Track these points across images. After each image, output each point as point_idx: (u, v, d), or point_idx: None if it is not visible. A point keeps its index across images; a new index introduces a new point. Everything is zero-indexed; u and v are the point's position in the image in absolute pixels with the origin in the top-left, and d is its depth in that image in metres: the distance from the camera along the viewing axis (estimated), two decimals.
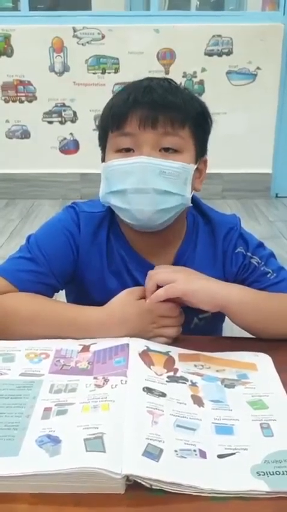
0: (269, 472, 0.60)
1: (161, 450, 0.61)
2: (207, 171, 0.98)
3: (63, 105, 3.83)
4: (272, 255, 1.01)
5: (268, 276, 0.97)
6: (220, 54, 3.72)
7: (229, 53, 3.72)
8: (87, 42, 3.70)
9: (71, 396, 0.71)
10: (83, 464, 0.58)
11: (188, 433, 0.65)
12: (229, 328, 1.03)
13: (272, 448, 0.64)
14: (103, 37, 3.68)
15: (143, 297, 0.89)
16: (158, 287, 0.88)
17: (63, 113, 3.85)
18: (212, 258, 1.00)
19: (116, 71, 3.74)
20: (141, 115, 0.87)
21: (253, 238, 1.02)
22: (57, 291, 0.99)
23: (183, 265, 0.95)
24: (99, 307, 0.89)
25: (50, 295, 0.96)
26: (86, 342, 0.85)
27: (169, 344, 0.87)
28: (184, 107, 0.89)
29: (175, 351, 0.84)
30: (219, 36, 3.68)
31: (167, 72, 3.69)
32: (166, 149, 0.88)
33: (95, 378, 0.75)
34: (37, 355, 0.81)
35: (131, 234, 0.97)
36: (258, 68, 3.74)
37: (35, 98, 3.82)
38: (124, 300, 0.89)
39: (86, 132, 3.67)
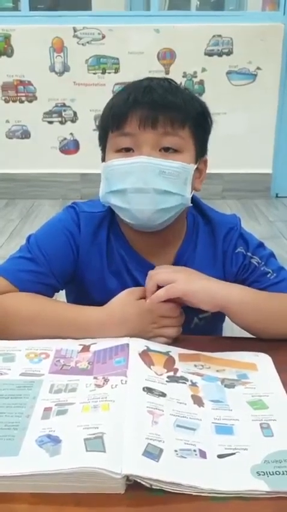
0: (269, 472, 0.60)
1: (161, 450, 0.61)
2: (207, 171, 0.98)
3: (64, 105, 3.83)
4: (272, 255, 1.01)
5: (268, 276, 0.97)
6: (220, 54, 3.72)
7: (229, 53, 3.72)
8: (88, 42, 3.70)
9: (71, 396, 0.71)
10: (83, 464, 0.58)
11: (188, 433, 0.65)
12: (229, 328, 1.03)
13: (272, 448, 0.64)
14: (103, 37, 3.69)
15: (143, 297, 0.89)
16: (159, 287, 0.88)
17: (63, 113, 3.85)
18: (212, 258, 1.00)
19: (116, 71, 3.74)
20: (141, 115, 0.87)
21: (253, 238, 1.02)
22: (58, 291, 0.99)
23: (183, 265, 0.95)
24: (99, 307, 0.89)
25: (50, 295, 0.96)
26: (86, 342, 0.85)
27: (169, 344, 0.87)
28: (184, 107, 0.89)
29: (175, 351, 0.84)
30: (219, 36, 3.68)
31: (167, 72, 3.69)
32: (166, 149, 0.88)
33: (95, 378, 0.75)
34: (37, 355, 0.81)
35: (131, 234, 0.97)
36: (258, 68, 3.74)
37: (35, 98, 3.82)
38: (124, 300, 0.89)
39: (86, 132, 3.67)
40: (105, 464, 0.58)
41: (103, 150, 0.95)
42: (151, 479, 0.58)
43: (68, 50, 3.72)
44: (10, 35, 3.69)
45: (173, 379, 0.76)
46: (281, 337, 0.89)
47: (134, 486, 0.58)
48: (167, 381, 0.75)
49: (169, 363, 0.80)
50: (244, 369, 0.81)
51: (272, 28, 3.67)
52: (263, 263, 0.98)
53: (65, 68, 3.76)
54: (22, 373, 0.77)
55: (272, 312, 0.91)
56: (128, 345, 0.82)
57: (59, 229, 0.98)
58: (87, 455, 0.60)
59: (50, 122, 3.87)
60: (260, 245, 1.01)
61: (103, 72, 3.75)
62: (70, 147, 3.92)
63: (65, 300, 1.06)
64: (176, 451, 0.62)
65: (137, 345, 0.83)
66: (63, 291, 1.04)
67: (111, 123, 0.90)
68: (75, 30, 3.67)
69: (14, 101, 3.82)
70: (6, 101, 3.82)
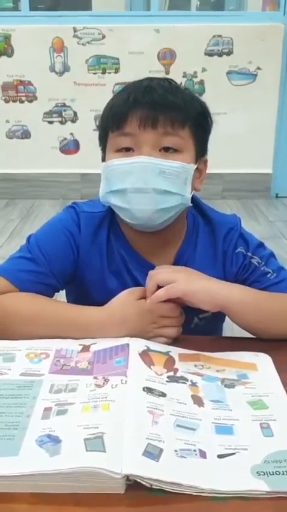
0: (269, 472, 0.60)
1: (161, 450, 0.61)
2: (207, 171, 0.98)
3: (64, 105, 3.83)
4: (272, 255, 1.01)
5: (268, 276, 0.97)
6: (220, 54, 3.72)
7: (229, 53, 3.72)
8: (88, 42, 3.70)
9: (71, 396, 0.71)
10: (83, 464, 0.58)
11: (188, 433, 0.65)
12: (229, 328, 1.03)
13: (272, 448, 0.64)
14: (103, 37, 3.69)
15: (144, 297, 0.89)
16: (159, 287, 0.88)
17: (63, 113, 3.85)
18: (213, 258, 1.00)
19: (117, 71, 3.74)
20: (141, 115, 0.87)
21: (253, 238, 1.02)
22: (58, 291, 0.99)
23: (183, 265, 0.95)
24: (99, 307, 0.89)
25: (51, 295, 0.96)
26: (86, 341, 0.85)
27: (169, 344, 0.87)
28: (184, 107, 0.89)
29: (175, 351, 0.84)
30: (219, 36, 3.68)
31: (167, 72, 3.69)
32: (166, 149, 0.88)
33: (95, 378, 0.75)
34: (37, 355, 0.81)
35: (131, 233, 0.97)
36: (258, 68, 3.74)
37: (36, 98, 3.82)
38: (124, 300, 0.89)
39: (87, 132, 3.67)
40: (105, 464, 0.58)
41: (103, 150, 0.95)
42: (151, 479, 0.58)
43: (68, 50, 3.72)
44: (10, 35, 3.69)
45: (173, 379, 0.76)
46: (282, 337, 0.89)
47: (134, 486, 0.58)
48: (167, 381, 0.75)
49: (169, 363, 0.80)
50: (244, 369, 0.81)
51: (272, 28, 3.67)
52: (263, 263, 0.98)
53: (65, 68, 3.76)
54: (22, 373, 0.77)
55: (273, 312, 0.91)
56: (128, 345, 0.82)
57: (59, 229, 0.98)
58: (87, 455, 0.60)
59: (50, 122, 3.87)
60: (260, 245, 1.01)
61: (103, 72, 3.75)
62: (70, 147, 3.92)
63: (65, 300, 1.06)
64: (176, 451, 0.62)
65: (137, 345, 0.83)
66: (63, 291, 1.04)
67: (111, 123, 0.90)
68: (75, 30, 3.67)
69: (14, 101, 3.82)
70: (7, 101, 3.82)
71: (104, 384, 0.73)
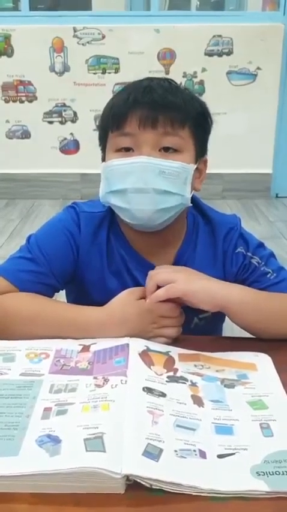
0: (269, 472, 0.60)
1: (161, 450, 0.62)
2: (207, 171, 0.98)
3: (64, 105, 3.83)
4: (272, 255, 1.01)
5: (268, 276, 0.97)
6: (220, 54, 3.72)
7: (229, 53, 3.72)
8: (88, 42, 3.70)
9: (71, 396, 0.71)
10: (83, 464, 0.58)
11: (188, 433, 0.65)
12: (229, 328, 1.03)
13: (272, 448, 0.64)
14: (103, 37, 3.69)
15: (144, 297, 0.89)
16: (159, 287, 0.88)
17: (63, 113, 3.85)
18: (212, 258, 1.00)
19: (117, 71, 3.74)
20: (141, 115, 0.87)
21: (253, 238, 1.02)
22: (58, 291, 0.99)
23: (183, 265, 0.95)
24: (99, 307, 0.89)
25: (50, 295, 0.96)
26: (86, 342, 0.85)
27: (169, 344, 0.87)
28: (184, 107, 0.89)
29: (175, 351, 0.84)
30: (219, 36, 3.68)
31: (167, 72, 3.69)
32: (166, 149, 0.88)
33: (95, 378, 0.75)
34: (37, 355, 0.81)
35: (131, 233, 0.97)
36: (258, 68, 3.74)
37: (35, 98, 3.82)
38: (124, 300, 0.89)
39: (87, 132, 3.67)
40: (105, 464, 0.58)
41: (103, 150, 0.95)
42: (150, 479, 0.58)
43: (68, 50, 3.72)
44: (10, 35, 3.69)
45: (173, 379, 0.76)
46: (282, 337, 0.89)
47: (134, 486, 0.58)
48: (167, 381, 0.75)
49: (169, 363, 0.80)
50: (244, 369, 0.81)
51: (272, 28, 3.67)
52: (263, 263, 0.98)
53: (65, 68, 3.76)
54: (22, 373, 0.77)
55: (273, 312, 0.91)
56: (128, 345, 0.82)
57: (59, 229, 0.98)
58: (87, 455, 0.60)
59: (50, 122, 3.87)
60: (260, 245, 1.01)
61: (103, 72, 3.75)
62: (70, 147, 3.92)
63: (65, 300, 1.06)
64: (176, 451, 0.62)
65: (137, 345, 0.83)
66: (63, 291, 1.04)
67: (111, 123, 0.90)
68: (75, 30, 3.67)
69: (14, 101, 3.82)
70: (6, 101, 3.82)
71: (104, 384, 0.73)
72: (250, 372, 0.80)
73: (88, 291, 0.98)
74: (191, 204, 0.94)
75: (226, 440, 0.65)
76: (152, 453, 0.61)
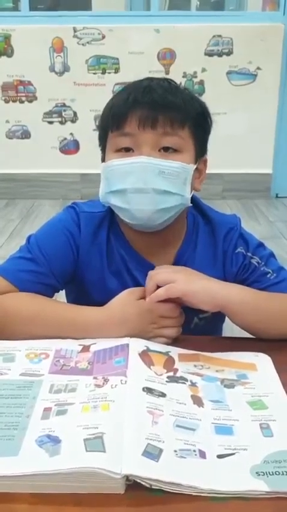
0: (269, 472, 0.60)
1: (161, 450, 0.62)
2: (207, 171, 0.98)
3: (64, 105, 3.83)
4: (272, 255, 1.01)
5: (268, 276, 0.97)
6: (220, 54, 3.72)
7: (229, 53, 3.72)
8: (88, 42, 3.70)
9: (71, 396, 0.71)
10: (82, 464, 0.58)
11: (188, 433, 0.65)
12: (229, 328, 1.03)
13: (272, 448, 0.64)
14: (103, 37, 3.68)
15: (144, 297, 0.89)
16: (159, 287, 0.88)
17: (63, 113, 3.85)
18: (212, 258, 1.00)
19: (116, 71, 3.74)
20: (141, 115, 0.87)
21: (253, 238, 1.02)
22: (58, 291, 0.99)
23: (183, 265, 0.95)
24: (99, 308, 0.89)
25: (50, 295, 0.96)
26: (86, 342, 0.85)
27: (168, 344, 0.87)
28: (184, 107, 0.89)
29: (175, 351, 0.84)
30: (219, 36, 3.68)
31: (167, 72, 3.69)
32: (166, 149, 0.88)
33: (94, 378, 0.75)
34: (37, 355, 0.81)
35: (131, 234, 0.97)
36: (258, 68, 3.74)
37: (35, 98, 3.82)
38: (124, 300, 0.89)
39: (86, 132, 3.67)
40: (105, 464, 0.58)
41: (103, 150, 0.95)
42: (150, 479, 0.58)
43: (68, 50, 3.72)
44: (10, 35, 3.69)
45: (172, 379, 0.76)
46: (282, 337, 0.89)
47: (133, 486, 0.58)
48: (166, 381, 0.75)
49: (169, 363, 0.80)
50: (244, 369, 0.81)
51: (272, 28, 3.67)
52: (263, 263, 0.98)
53: (65, 68, 3.76)
54: (22, 373, 0.77)
55: (273, 312, 0.91)
56: (128, 345, 0.82)
57: (59, 230, 0.98)
58: (87, 455, 0.60)
59: (50, 122, 3.87)
60: (260, 245, 1.01)
61: (103, 72, 3.75)
62: (70, 147, 3.92)
63: (65, 300, 1.06)
64: (175, 451, 0.62)
65: (137, 345, 0.83)
66: (63, 291, 1.04)
67: (111, 123, 0.90)
68: (75, 30, 3.67)
69: (14, 101, 3.82)
70: (6, 101, 3.82)
71: (103, 384, 0.73)
72: (249, 372, 0.80)
73: (88, 291, 0.98)
74: (191, 204, 0.94)
75: (225, 440, 0.65)
76: (152, 453, 0.61)
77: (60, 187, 3.90)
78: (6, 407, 0.69)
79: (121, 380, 0.73)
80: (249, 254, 0.99)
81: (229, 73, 3.75)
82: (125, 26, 3.69)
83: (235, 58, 3.72)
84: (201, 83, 3.76)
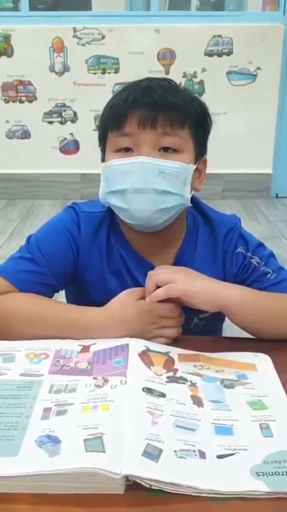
0: (269, 473, 0.60)
1: (161, 450, 0.61)
2: (207, 171, 0.98)
3: (64, 105, 3.83)
4: (272, 255, 1.01)
5: (268, 276, 0.97)
6: (220, 55, 3.72)
7: (229, 53, 3.72)
8: (88, 43, 3.70)
9: (71, 396, 0.71)
10: (82, 465, 0.58)
11: (188, 434, 0.65)
12: (229, 328, 1.03)
13: (272, 448, 0.64)
14: (103, 37, 3.68)
15: (144, 298, 0.89)
16: (158, 287, 0.88)
17: (63, 113, 3.85)
18: (212, 258, 1.00)
19: (116, 71, 3.74)
20: (140, 115, 0.87)
21: (253, 238, 1.02)
22: (57, 291, 0.99)
23: (183, 265, 0.95)
24: (99, 308, 0.89)
25: (50, 296, 0.96)
26: (86, 342, 0.85)
27: (168, 344, 0.87)
28: (184, 107, 0.89)
29: (175, 351, 0.84)
30: (219, 36, 3.68)
31: (167, 72, 3.69)
32: (166, 149, 0.88)
33: (94, 378, 0.75)
34: (37, 356, 0.81)
35: (131, 234, 0.97)
36: (258, 68, 3.74)
37: (35, 98, 3.82)
38: (124, 301, 0.89)
39: (86, 132, 3.67)
40: (104, 464, 0.58)
41: (103, 150, 0.95)
42: (150, 479, 0.58)
43: (68, 50, 3.72)
44: (10, 35, 3.69)
45: (172, 379, 0.76)
46: (281, 337, 0.89)
47: (133, 486, 0.58)
48: (166, 382, 0.75)
49: (169, 364, 0.80)
50: (244, 370, 0.81)
51: (272, 28, 3.67)
52: (263, 263, 0.98)
53: (65, 68, 3.76)
54: (22, 374, 0.77)
55: (272, 312, 0.91)
56: (127, 345, 0.82)
57: (59, 230, 0.98)
58: (87, 455, 0.60)
59: (50, 122, 3.87)
60: (260, 245, 1.01)
61: (103, 72, 3.75)
62: (70, 147, 3.92)
63: (65, 300, 1.06)
64: (175, 451, 0.62)
65: (137, 345, 0.83)
66: (63, 291, 1.04)
67: (110, 123, 0.90)
68: (75, 30, 3.67)
69: (14, 101, 3.82)
70: (6, 101, 3.82)
71: (103, 384, 0.73)
72: (249, 372, 0.80)
73: (88, 291, 0.98)
74: (191, 204, 0.94)
75: (225, 440, 0.65)
76: (152, 453, 0.61)
77: (60, 187, 3.90)
78: (6, 407, 0.69)
79: (121, 380, 0.73)
80: (249, 254, 0.99)
81: (229, 73, 3.75)
82: (125, 26, 3.69)
83: (235, 58, 3.72)
84: (201, 83, 3.76)
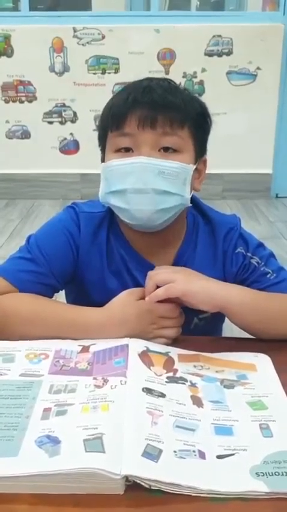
0: (269, 473, 0.60)
1: (161, 451, 0.61)
2: (207, 171, 0.98)
3: (64, 105, 3.83)
4: (272, 255, 1.01)
5: (268, 276, 0.97)
6: (220, 55, 3.72)
7: (229, 53, 3.72)
8: (88, 43, 3.70)
9: (71, 397, 0.71)
10: (82, 465, 0.58)
11: (188, 434, 0.65)
12: (229, 329, 1.03)
13: (272, 448, 0.64)
14: (103, 37, 3.68)
15: (143, 298, 0.89)
16: (158, 287, 0.88)
17: (63, 113, 3.85)
18: (212, 258, 1.00)
19: (116, 71, 3.74)
20: (140, 115, 0.87)
21: (253, 238, 1.02)
22: (57, 291, 0.99)
23: (183, 265, 0.95)
24: (99, 308, 0.89)
25: (50, 296, 0.96)
26: (86, 342, 0.85)
27: (168, 344, 0.87)
28: (184, 107, 0.89)
29: (175, 352, 0.84)
30: (219, 36, 3.68)
31: (167, 73, 3.69)
32: (166, 149, 0.88)
33: (94, 379, 0.75)
34: (37, 356, 0.81)
35: (131, 234, 0.97)
36: (258, 68, 3.74)
37: (35, 98, 3.82)
38: (124, 301, 0.89)
39: (86, 132, 3.67)
40: (104, 465, 0.58)
41: (103, 150, 0.95)
42: (150, 479, 0.58)
43: (68, 50, 3.72)
44: (10, 35, 3.69)
45: (172, 379, 0.76)
46: (281, 337, 0.89)
47: (133, 487, 0.58)
48: (166, 382, 0.75)
49: (169, 364, 0.80)
50: (243, 370, 0.81)
51: (272, 28, 3.67)
52: (263, 263, 0.98)
53: (65, 68, 3.76)
54: (22, 374, 0.77)
55: (272, 313, 0.91)
56: (127, 345, 0.82)
57: (59, 230, 0.98)
58: (87, 455, 0.60)
59: (50, 122, 3.87)
60: (260, 245, 1.01)
61: (103, 72, 3.75)
62: (70, 147, 3.92)
63: (65, 300, 1.06)
64: (175, 451, 0.62)
65: (137, 345, 0.83)
66: (63, 291, 1.04)
67: (110, 123, 0.90)
68: (75, 30, 3.67)
69: (14, 101, 3.82)
70: (6, 101, 3.82)
71: (103, 384, 0.73)
72: (249, 372, 0.80)
73: (88, 291, 0.98)
74: (191, 204, 0.94)
75: (225, 440, 0.65)
76: (152, 454, 0.61)
77: (60, 187, 3.90)
78: (5, 407, 0.69)
79: (121, 380, 0.73)
80: (249, 254, 0.99)
81: (228, 73, 3.75)
82: (125, 26, 3.69)
83: (235, 58, 3.72)
84: (201, 83, 3.76)
